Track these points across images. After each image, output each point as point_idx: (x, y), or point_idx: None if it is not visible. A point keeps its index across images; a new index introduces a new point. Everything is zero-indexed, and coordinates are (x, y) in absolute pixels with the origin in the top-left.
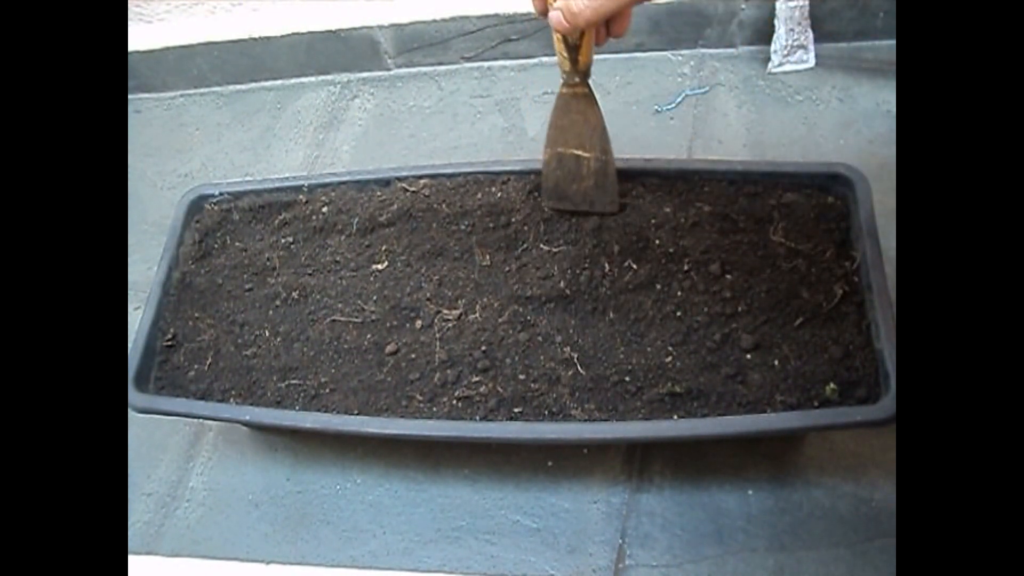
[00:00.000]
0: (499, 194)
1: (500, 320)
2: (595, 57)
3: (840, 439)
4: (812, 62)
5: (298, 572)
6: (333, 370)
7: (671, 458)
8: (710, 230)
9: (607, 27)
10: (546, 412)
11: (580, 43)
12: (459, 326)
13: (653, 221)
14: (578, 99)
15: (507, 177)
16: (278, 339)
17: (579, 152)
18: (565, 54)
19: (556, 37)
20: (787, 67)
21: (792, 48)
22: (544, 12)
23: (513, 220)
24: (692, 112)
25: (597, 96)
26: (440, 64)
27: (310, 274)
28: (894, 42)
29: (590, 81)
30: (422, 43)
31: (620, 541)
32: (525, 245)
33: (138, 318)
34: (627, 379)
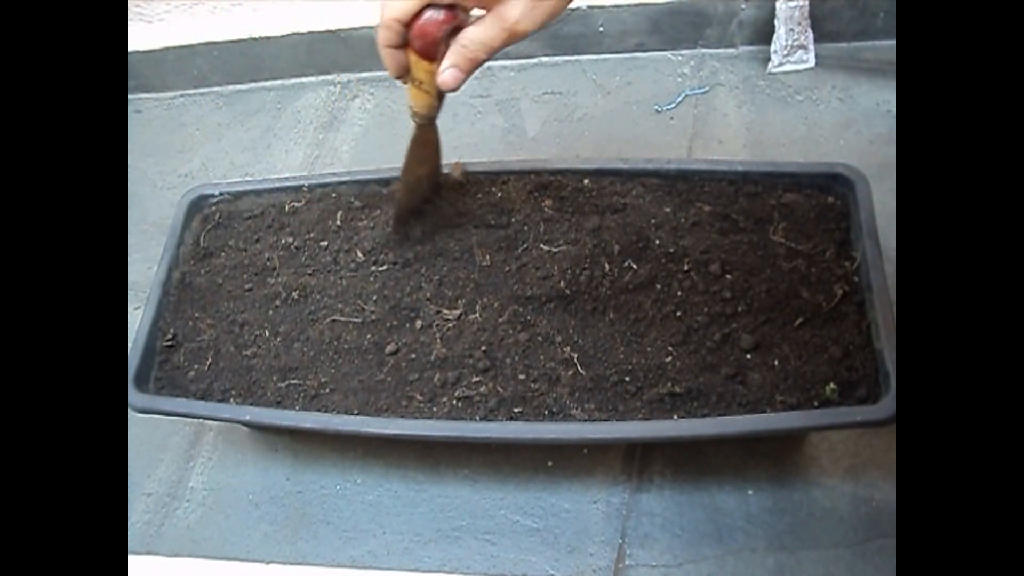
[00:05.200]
0: (499, 194)
1: (500, 320)
2: (596, 57)
3: (840, 439)
4: (812, 62)
5: (298, 572)
6: (333, 370)
7: (671, 458)
8: (710, 230)
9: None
10: (546, 412)
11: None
12: (459, 326)
13: (653, 221)
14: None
15: (507, 177)
16: (278, 339)
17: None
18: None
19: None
20: (787, 67)
21: (792, 48)
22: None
23: (513, 220)
24: (692, 112)
25: (597, 96)
26: None
27: (310, 274)
28: (894, 42)
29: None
30: None
31: (620, 541)
32: (525, 245)
33: (138, 318)
34: (627, 379)
